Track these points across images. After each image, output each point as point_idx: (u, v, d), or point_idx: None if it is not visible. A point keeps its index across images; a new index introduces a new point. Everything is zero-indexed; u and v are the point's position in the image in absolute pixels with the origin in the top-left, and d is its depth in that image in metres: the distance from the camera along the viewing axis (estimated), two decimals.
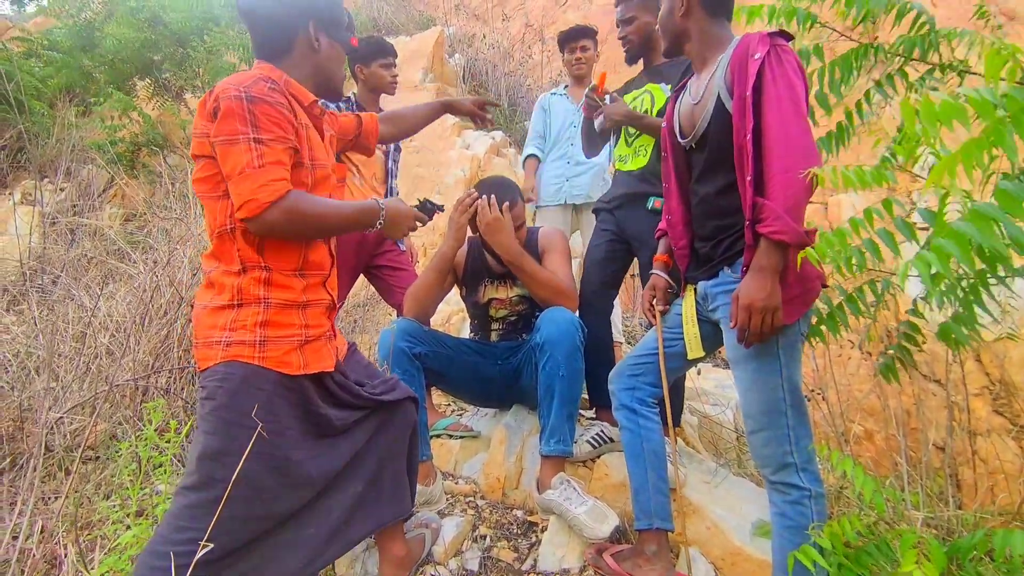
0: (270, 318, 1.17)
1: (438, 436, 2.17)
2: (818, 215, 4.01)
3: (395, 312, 2.55)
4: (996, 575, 1.08)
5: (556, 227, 2.36)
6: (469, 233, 1.93)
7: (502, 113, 6.27)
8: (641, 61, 2.06)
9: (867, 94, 1.46)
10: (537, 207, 2.94)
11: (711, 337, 1.47)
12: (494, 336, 2.07)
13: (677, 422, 2.14)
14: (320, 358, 1.24)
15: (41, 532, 1.61)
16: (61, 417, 2.14)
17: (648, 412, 1.54)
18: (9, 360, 2.62)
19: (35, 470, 1.68)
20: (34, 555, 1.52)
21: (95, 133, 6.08)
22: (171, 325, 2.51)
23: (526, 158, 3.02)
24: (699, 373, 2.87)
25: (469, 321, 2.21)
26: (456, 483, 2.02)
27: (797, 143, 1.18)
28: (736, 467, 2.18)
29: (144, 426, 1.75)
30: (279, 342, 1.17)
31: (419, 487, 1.68)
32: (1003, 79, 0.85)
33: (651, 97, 1.98)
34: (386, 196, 2.50)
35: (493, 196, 1.81)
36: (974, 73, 1.29)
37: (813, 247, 0.97)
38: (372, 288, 2.75)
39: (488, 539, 1.73)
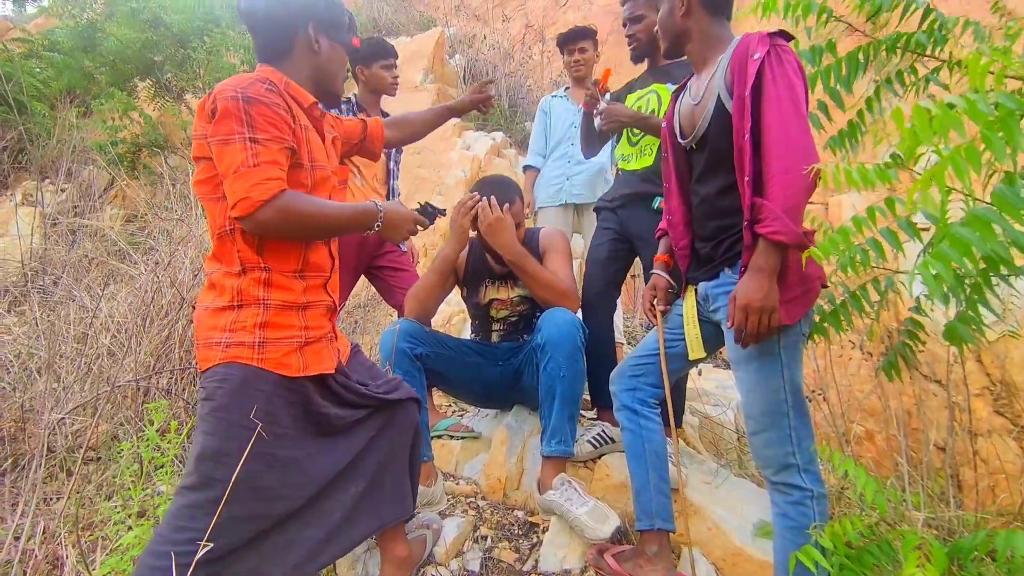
0: (269, 319, 1.17)
1: (439, 437, 2.17)
2: (819, 215, 4.00)
3: (396, 313, 2.55)
4: None
5: (557, 228, 2.35)
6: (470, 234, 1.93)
7: (502, 113, 6.27)
8: (646, 61, 2.05)
9: (877, 91, 1.45)
10: (537, 208, 2.93)
11: (712, 338, 1.47)
12: (495, 337, 2.07)
13: (679, 423, 2.13)
14: (320, 360, 1.24)
15: (43, 533, 1.61)
16: (63, 418, 2.14)
17: (649, 413, 1.54)
18: (11, 361, 2.62)
19: (37, 471, 1.69)
20: (36, 556, 1.52)
21: (96, 134, 6.10)
22: (172, 326, 2.51)
23: (525, 168, 3.01)
24: (700, 374, 2.86)
25: (470, 322, 2.21)
26: (457, 484, 2.01)
27: (797, 143, 1.17)
28: (737, 468, 2.18)
29: (146, 427, 1.75)
30: (278, 344, 1.17)
31: (420, 488, 1.68)
32: (990, 89, 0.85)
33: (657, 97, 1.97)
34: (387, 197, 2.50)
35: (494, 197, 1.82)
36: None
37: (813, 247, 0.97)
38: (373, 289, 2.75)
39: (489, 540, 1.72)
